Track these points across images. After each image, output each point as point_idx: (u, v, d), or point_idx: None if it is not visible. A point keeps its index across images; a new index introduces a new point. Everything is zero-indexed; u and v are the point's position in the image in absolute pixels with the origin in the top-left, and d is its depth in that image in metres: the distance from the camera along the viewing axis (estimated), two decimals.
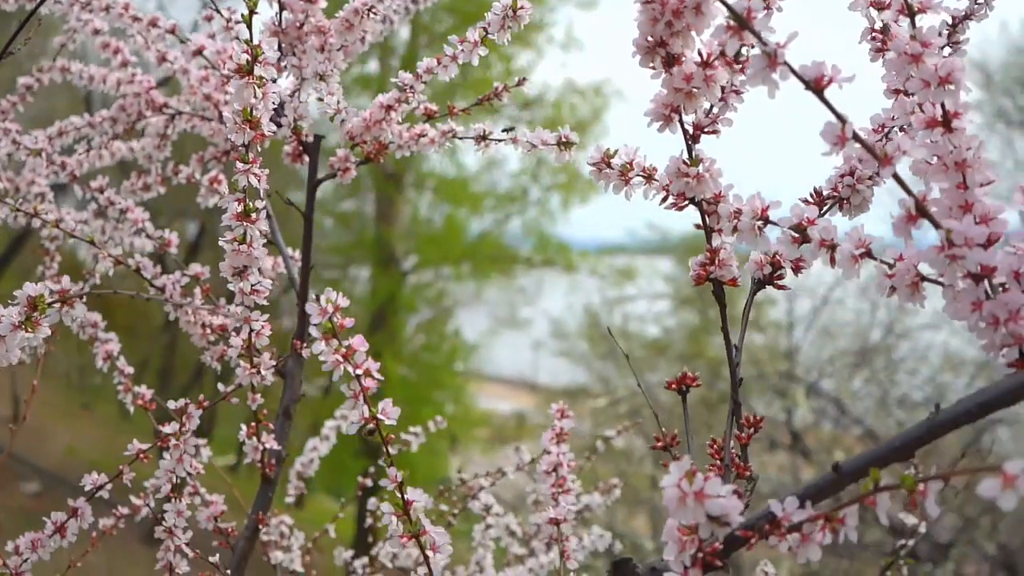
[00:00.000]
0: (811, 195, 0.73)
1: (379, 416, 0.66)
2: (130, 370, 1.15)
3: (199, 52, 1.07)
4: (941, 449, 6.62)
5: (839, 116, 0.53)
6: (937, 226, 0.53)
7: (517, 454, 1.51)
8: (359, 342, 0.66)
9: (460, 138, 1.00)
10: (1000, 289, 0.54)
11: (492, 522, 1.35)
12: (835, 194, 0.72)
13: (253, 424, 1.00)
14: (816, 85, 0.53)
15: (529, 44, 11.02)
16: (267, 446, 1.01)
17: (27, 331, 0.71)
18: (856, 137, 0.53)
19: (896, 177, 0.54)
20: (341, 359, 0.65)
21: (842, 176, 0.72)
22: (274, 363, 0.95)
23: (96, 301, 1.27)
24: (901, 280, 0.57)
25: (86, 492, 0.96)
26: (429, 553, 0.68)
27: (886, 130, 0.73)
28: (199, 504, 1.06)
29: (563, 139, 0.88)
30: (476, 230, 11.48)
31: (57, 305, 0.70)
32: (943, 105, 0.56)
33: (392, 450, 0.69)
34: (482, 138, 0.98)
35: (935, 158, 0.57)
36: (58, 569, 1.01)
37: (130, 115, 1.23)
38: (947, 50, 0.76)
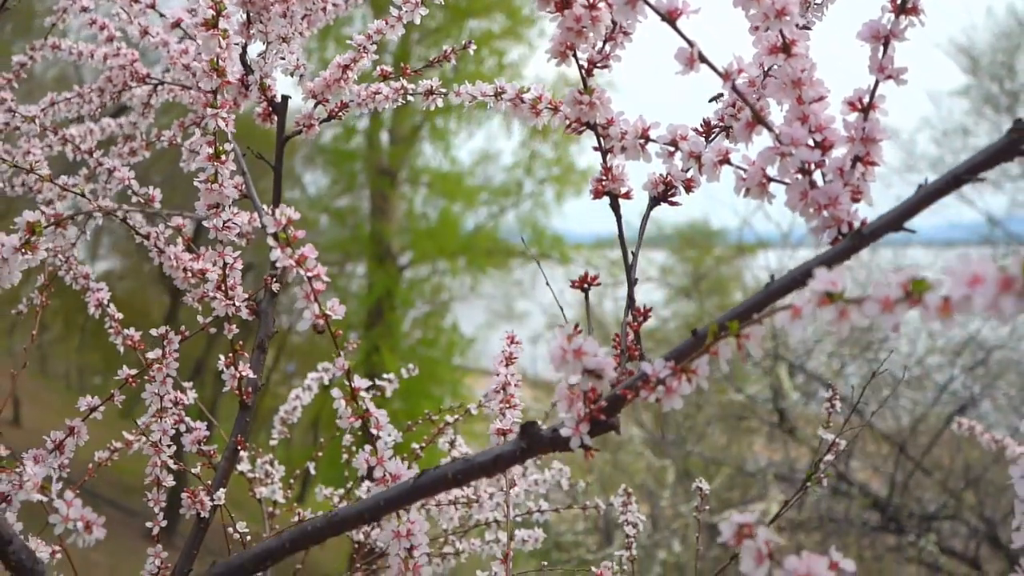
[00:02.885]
0: (701, 124, 0.84)
1: (328, 312, 0.78)
2: (120, 316, 1.26)
3: (177, 25, 1.18)
4: (925, 427, 6.73)
5: (689, 42, 0.65)
6: (770, 130, 0.65)
7: (485, 399, 1.63)
8: (310, 250, 0.77)
9: (411, 94, 1.12)
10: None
11: (457, 455, 1.47)
12: (720, 123, 0.83)
13: (231, 355, 1.12)
14: (670, 16, 0.65)
15: (521, 39, 11.15)
16: (244, 375, 1.13)
17: (26, 253, 0.82)
18: (702, 58, 0.64)
19: (736, 91, 0.66)
20: (294, 264, 0.76)
21: (727, 107, 0.83)
22: (247, 295, 1.07)
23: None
24: (752, 180, 0.69)
25: (82, 413, 1.07)
26: (374, 431, 0.79)
27: (766, 68, 0.84)
28: (184, 431, 1.17)
29: (499, 90, 0.99)
30: (471, 224, 11.59)
31: (52, 228, 0.82)
32: (782, 33, 0.68)
33: (344, 357, 0.80)
34: (429, 92, 1.10)
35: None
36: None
37: (116, 86, 1.35)
38: None
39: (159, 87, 1.37)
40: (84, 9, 1.35)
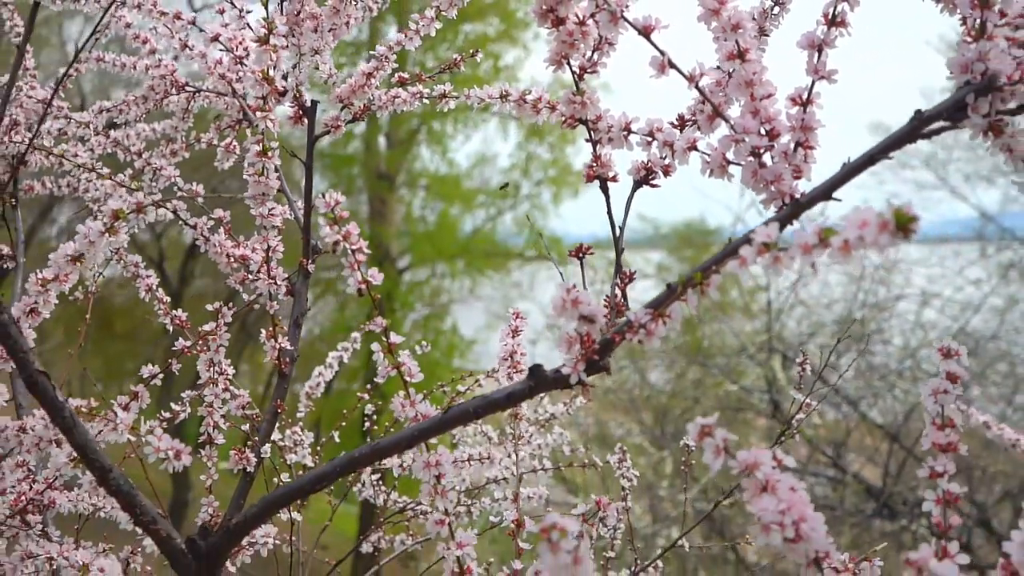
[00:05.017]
0: (676, 118, 1.00)
1: (369, 278, 0.93)
2: (168, 299, 1.42)
3: (216, 39, 1.34)
4: (918, 415, 6.89)
5: (660, 52, 0.80)
6: (727, 121, 0.81)
7: (493, 374, 1.78)
8: (354, 227, 0.93)
9: (426, 98, 1.28)
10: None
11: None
12: (692, 118, 0.99)
13: (271, 328, 1.27)
14: (645, 31, 0.80)
15: (516, 42, 11.32)
16: (282, 346, 1.28)
17: (110, 236, 0.98)
18: (671, 64, 0.80)
19: (699, 90, 0.81)
20: (341, 239, 0.92)
21: (696, 104, 0.99)
22: (287, 276, 1.22)
23: (96, 309, 1.52)
24: (714, 163, 0.84)
25: (144, 379, 1.23)
26: (407, 378, 0.95)
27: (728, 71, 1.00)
28: (229, 398, 1.33)
29: (503, 93, 1.15)
30: (469, 227, 11.75)
31: (134, 214, 0.97)
32: (737, 43, 0.83)
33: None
34: (443, 96, 1.26)
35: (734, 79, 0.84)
36: None
37: (158, 93, 1.50)
38: (777, 10, 1.03)
39: (197, 94, 1.52)
40: (128, 25, 1.50)
